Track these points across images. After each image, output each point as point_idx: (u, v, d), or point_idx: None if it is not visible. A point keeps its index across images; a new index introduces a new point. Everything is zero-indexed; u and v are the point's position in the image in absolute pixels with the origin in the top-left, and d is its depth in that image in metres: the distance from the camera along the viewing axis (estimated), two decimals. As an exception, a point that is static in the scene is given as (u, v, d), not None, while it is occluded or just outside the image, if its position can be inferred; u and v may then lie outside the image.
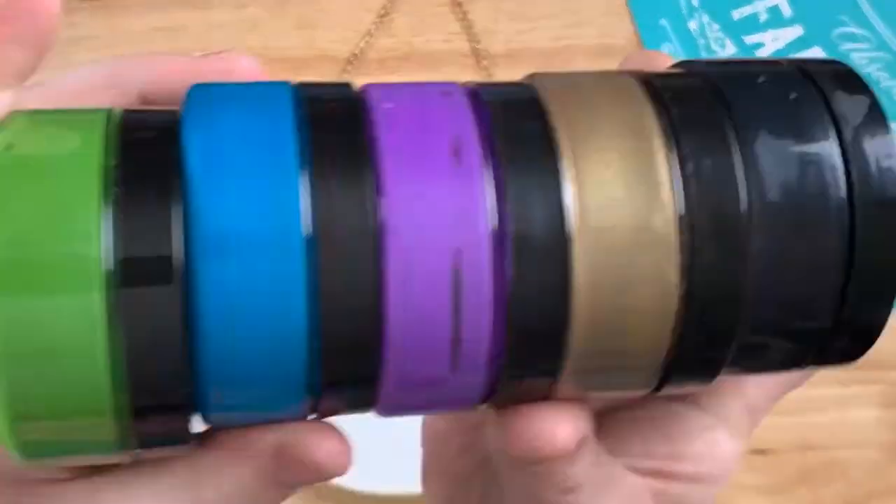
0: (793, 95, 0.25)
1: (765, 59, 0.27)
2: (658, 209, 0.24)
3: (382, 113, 0.24)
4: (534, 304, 0.24)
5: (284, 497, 0.28)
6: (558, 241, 0.24)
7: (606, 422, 0.32)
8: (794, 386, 0.33)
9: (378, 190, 0.23)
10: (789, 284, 0.25)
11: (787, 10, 0.83)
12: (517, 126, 0.25)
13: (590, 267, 0.24)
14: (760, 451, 0.85)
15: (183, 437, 0.25)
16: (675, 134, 0.25)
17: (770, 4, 0.82)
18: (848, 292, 0.26)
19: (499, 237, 0.24)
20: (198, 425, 0.27)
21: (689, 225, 0.24)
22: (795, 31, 0.83)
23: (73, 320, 0.22)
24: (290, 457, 0.26)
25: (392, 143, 0.24)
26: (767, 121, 0.25)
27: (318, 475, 0.27)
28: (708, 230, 0.24)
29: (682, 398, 0.32)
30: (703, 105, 0.25)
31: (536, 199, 0.24)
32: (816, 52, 0.83)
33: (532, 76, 0.27)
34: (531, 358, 0.25)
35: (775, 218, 0.24)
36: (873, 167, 0.25)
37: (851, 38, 0.83)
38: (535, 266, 0.24)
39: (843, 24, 0.83)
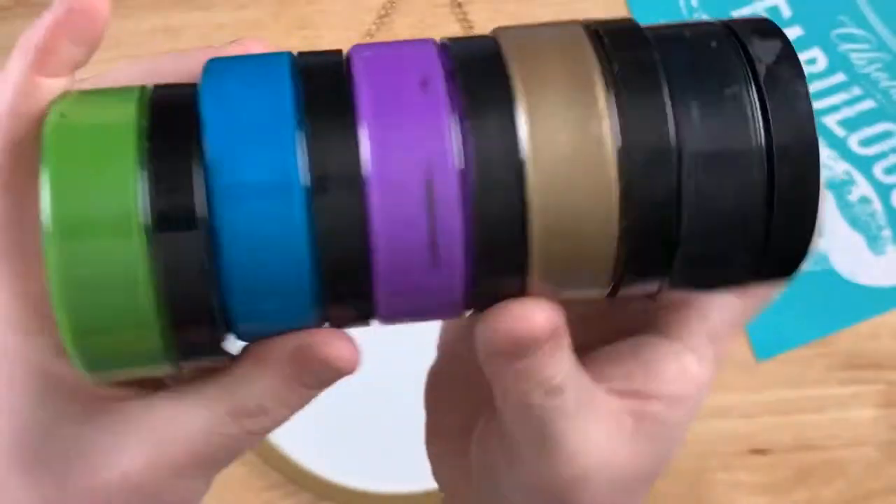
0: (714, 44, 0.30)
1: (698, 20, 0.33)
2: (598, 138, 0.28)
3: (362, 59, 0.29)
4: (496, 205, 0.28)
5: (310, 398, 0.34)
6: (513, 158, 0.28)
7: (590, 357, 0.36)
8: (750, 314, 0.37)
9: (357, 127, 0.28)
10: (718, 205, 0.29)
11: (786, 11, 0.83)
12: (478, 66, 0.29)
13: (541, 181, 0.28)
14: (760, 451, 0.85)
15: (216, 350, 0.30)
16: (614, 79, 0.29)
17: (769, 5, 0.83)
18: (773, 214, 0.29)
19: (464, 152, 0.28)
20: (235, 345, 0.32)
21: (626, 151, 0.28)
22: (795, 32, 0.83)
23: (119, 260, 0.27)
24: (306, 357, 0.31)
25: (368, 80, 0.29)
26: (693, 66, 0.30)
27: (330, 372, 0.33)
28: (641, 154, 0.28)
29: (655, 329, 0.36)
30: (638, 55, 0.30)
31: (494, 127, 0.28)
32: (816, 53, 0.83)
33: (496, 29, 0.32)
34: (499, 256, 0.29)
35: (701, 147, 0.29)
36: (785, 98, 0.29)
37: (851, 38, 0.83)
38: (494, 179, 0.28)
39: (842, 24, 0.83)
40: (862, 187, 0.83)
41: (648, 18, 0.91)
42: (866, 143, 0.83)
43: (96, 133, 0.28)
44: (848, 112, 0.83)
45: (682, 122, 0.29)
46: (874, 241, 0.84)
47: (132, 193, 0.27)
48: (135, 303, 0.28)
